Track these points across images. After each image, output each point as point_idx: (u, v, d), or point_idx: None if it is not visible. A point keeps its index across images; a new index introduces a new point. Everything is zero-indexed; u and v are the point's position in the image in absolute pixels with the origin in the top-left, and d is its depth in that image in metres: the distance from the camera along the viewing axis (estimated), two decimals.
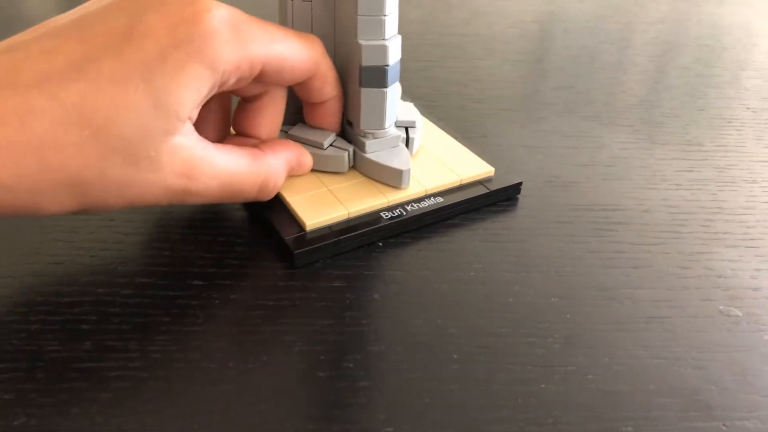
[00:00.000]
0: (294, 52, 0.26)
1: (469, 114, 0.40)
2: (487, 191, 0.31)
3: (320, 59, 0.27)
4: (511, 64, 0.48)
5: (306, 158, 0.29)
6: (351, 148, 0.30)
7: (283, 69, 0.26)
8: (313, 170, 0.30)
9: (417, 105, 0.35)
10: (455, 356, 0.24)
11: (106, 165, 0.21)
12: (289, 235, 0.27)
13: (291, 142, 0.29)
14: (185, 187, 0.23)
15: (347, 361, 0.23)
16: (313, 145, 0.30)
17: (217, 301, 0.25)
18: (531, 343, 0.24)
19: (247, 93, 0.27)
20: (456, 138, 0.34)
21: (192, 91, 0.22)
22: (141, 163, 0.22)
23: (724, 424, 0.22)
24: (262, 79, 0.26)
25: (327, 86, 0.28)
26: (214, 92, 0.24)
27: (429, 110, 0.38)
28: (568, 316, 0.26)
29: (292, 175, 0.29)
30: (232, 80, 0.24)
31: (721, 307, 0.26)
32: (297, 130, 0.30)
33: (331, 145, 0.30)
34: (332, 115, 0.30)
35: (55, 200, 0.21)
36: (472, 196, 0.31)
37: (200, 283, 0.26)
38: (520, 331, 0.25)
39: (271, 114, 0.28)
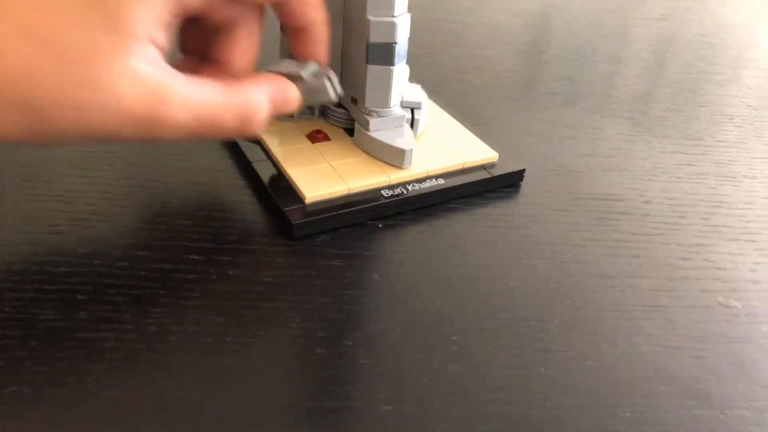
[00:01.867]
0: None
1: (471, 100, 0.40)
2: (490, 176, 0.31)
3: None
4: (514, 53, 0.48)
5: (291, 92, 0.26)
6: (334, 77, 0.27)
7: None
8: (314, 142, 0.30)
9: None
10: (454, 338, 0.23)
11: (57, 83, 0.20)
12: (288, 207, 0.27)
13: (273, 75, 0.26)
14: (151, 116, 0.21)
15: (346, 339, 0.23)
16: (290, 77, 0.26)
17: (214, 276, 0.25)
18: (531, 328, 0.24)
19: (219, 16, 0.25)
20: (462, 122, 0.34)
21: (146, 8, 0.21)
22: (96, 84, 0.20)
23: (722, 413, 0.22)
24: None
25: (307, 7, 0.26)
26: (180, 12, 0.22)
27: (432, 95, 0.37)
28: (568, 302, 0.25)
29: (279, 112, 0.26)
30: None
31: (720, 299, 0.26)
32: (275, 65, 0.27)
33: (313, 75, 0.27)
34: (317, 43, 0.27)
35: (6, 122, 0.20)
36: (474, 180, 0.30)
37: (197, 257, 0.25)
38: (520, 316, 0.25)
39: (246, 41, 0.26)
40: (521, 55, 0.47)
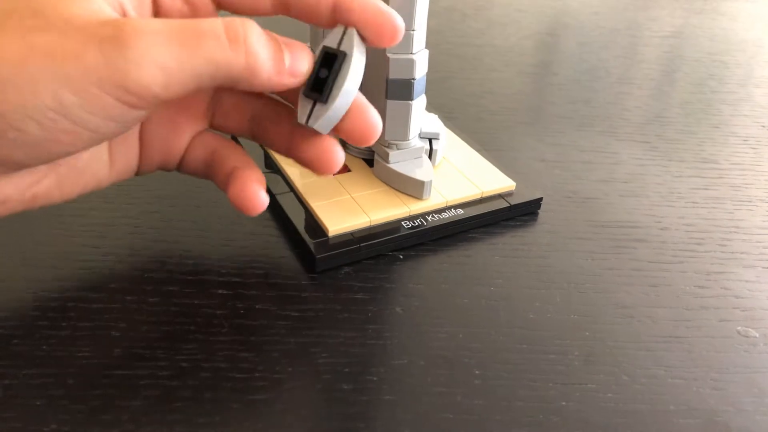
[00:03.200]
0: None
1: (485, 126, 0.40)
2: (508, 205, 0.31)
3: None
4: (527, 75, 0.48)
5: (296, 47, 0.22)
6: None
7: None
8: (334, 174, 0.31)
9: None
10: (477, 372, 0.24)
11: (5, 17, 0.18)
12: (311, 240, 0.28)
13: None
14: (116, 32, 0.18)
15: (371, 374, 0.23)
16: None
17: (242, 311, 0.25)
18: (551, 360, 0.25)
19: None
20: (478, 150, 0.35)
21: None
22: (47, 11, 0.18)
23: None
24: None
25: None
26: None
27: (447, 122, 0.38)
28: (587, 333, 0.26)
29: (281, 69, 0.21)
30: None
31: (738, 328, 0.27)
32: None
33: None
34: (363, 10, 0.22)
35: None
36: (492, 209, 0.31)
37: (225, 292, 0.26)
38: (540, 348, 0.25)
39: None
40: (534, 78, 0.48)
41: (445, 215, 0.30)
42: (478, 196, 0.31)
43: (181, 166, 0.26)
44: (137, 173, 0.25)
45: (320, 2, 0.22)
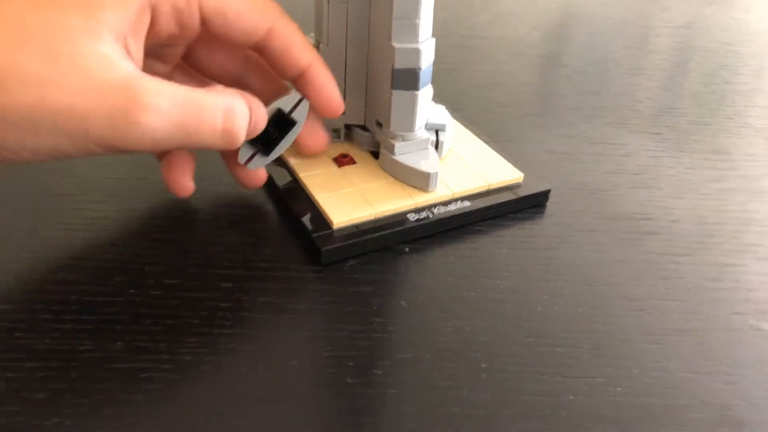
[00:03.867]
0: None
1: (493, 117, 0.40)
2: (515, 198, 0.31)
3: (274, 11, 0.25)
4: (535, 67, 0.48)
5: (261, 111, 0.25)
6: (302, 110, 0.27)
7: (226, 12, 0.23)
8: (340, 166, 0.30)
9: None
10: (484, 365, 0.23)
11: (17, 56, 0.19)
12: (316, 233, 0.27)
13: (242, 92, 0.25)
14: (126, 107, 0.20)
15: (376, 367, 0.23)
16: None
17: (246, 304, 0.25)
18: (560, 354, 0.24)
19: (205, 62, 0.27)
20: (486, 142, 0.34)
21: (121, 7, 0.20)
22: (61, 56, 0.19)
23: None
24: (209, 27, 0.24)
25: (294, 49, 0.25)
26: (148, 19, 0.22)
27: (454, 113, 0.37)
28: (596, 326, 0.25)
29: (252, 128, 0.25)
30: (166, 8, 0.22)
31: (751, 321, 0.26)
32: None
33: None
34: (322, 87, 0.26)
35: None
36: (499, 201, 0.30)
37: (229, 285, 0.26)
38: (548, 341, 0.25)
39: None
40: (542, 69, 0.47)
41: (452, 207, 0.30)
42: (485, 188, 0.31)
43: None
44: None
45: (291, 68, 0.26)
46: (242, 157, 0.27)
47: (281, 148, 0.27)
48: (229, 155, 0.28)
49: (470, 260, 0.28)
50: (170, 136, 0.21)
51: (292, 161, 0.31)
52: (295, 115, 0.26)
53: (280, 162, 0.32)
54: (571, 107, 0.42)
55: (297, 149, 0.29)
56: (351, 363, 0.23)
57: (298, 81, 0.27)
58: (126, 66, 0.20)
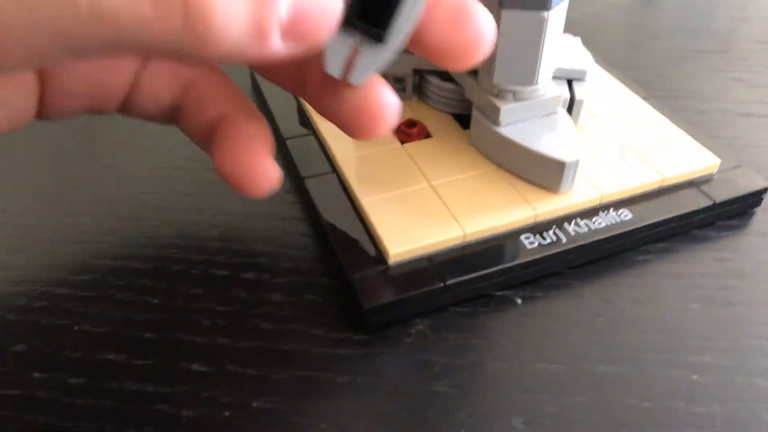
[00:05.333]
0: None
1: (643, 57, 0.26)
2: (710, 203, 0.18)
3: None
4: None
5: None
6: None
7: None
8: (403, 142, 0.18)
9: None
10: None
11: None
12: (359, 273, 0.15)
13: None
14: None
15: None
16: None
17: (249, 389, 0.14)
18: None
19: None
20: (645, 99, 0.21)
21: None
22: None
23: None
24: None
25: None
26: None
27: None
28: None
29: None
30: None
31: None
32: None
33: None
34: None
35: None
36: (682, 211, 0.17)
37: (198, 370, 0.14)
38: None
39: None
40: None
41: (601, 222, 0.17)
42: (656, 185, 0.18)
43: (126, 108, 0.15)
44: (40, 117, 0.14)
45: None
46: (332, 60, 0.12)
47: (409, 12, 0.11)
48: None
49: (636, 323, 0.16)
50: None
51: (328, 136, 0.19)
52: None
53: (311, 130, 0.20)
54: None
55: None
56: None
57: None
58: None
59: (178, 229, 0.18)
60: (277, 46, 0.10)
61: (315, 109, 0.14)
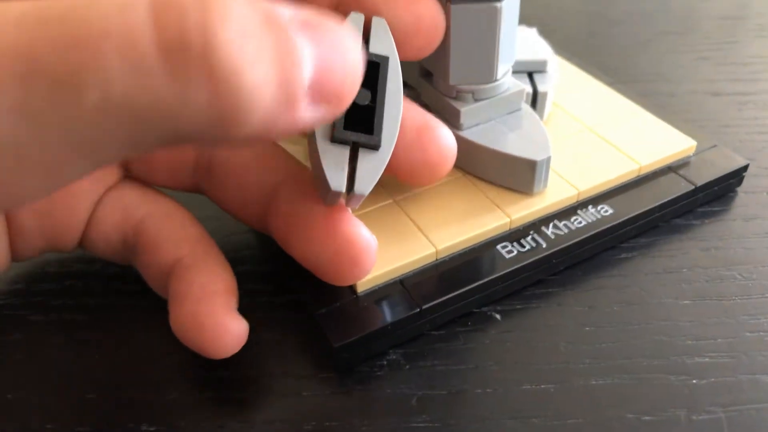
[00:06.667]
0: None
1: (604, 44, 0.25)
2: (691, 187, 0.17)
3: None
4: None
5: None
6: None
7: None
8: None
9: None
10: None
11: None
12: (325, 307, 0.14)
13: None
14: None
15: None
16: None
17: None
18: None
19: None
20: (610, 85, 0.20)
21: None
22: None
23: None
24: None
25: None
26: None
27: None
28: None
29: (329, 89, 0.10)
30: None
31: None
32: None
33: None
34: None
35: None
36: (664, 199, 0.16)
37: (147, 431, 0.13)
38: None
39: None
40: None
41: (580, 221, 0.16)
42: (634, 175, 0.17)
43: (84, 245, 0.14)
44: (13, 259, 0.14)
45: None
46: (335, 177, 0.11)
47: (392, 119, 0.12)
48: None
49: (626, 331, 0.14)
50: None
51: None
52: (378, 50, 0.12)
53: None
54: (728, 16, 0.27)
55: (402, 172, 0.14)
56: None
57: None
58: None
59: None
60: (306, 111, 0.09)
61: (287, 251, 0.13)
